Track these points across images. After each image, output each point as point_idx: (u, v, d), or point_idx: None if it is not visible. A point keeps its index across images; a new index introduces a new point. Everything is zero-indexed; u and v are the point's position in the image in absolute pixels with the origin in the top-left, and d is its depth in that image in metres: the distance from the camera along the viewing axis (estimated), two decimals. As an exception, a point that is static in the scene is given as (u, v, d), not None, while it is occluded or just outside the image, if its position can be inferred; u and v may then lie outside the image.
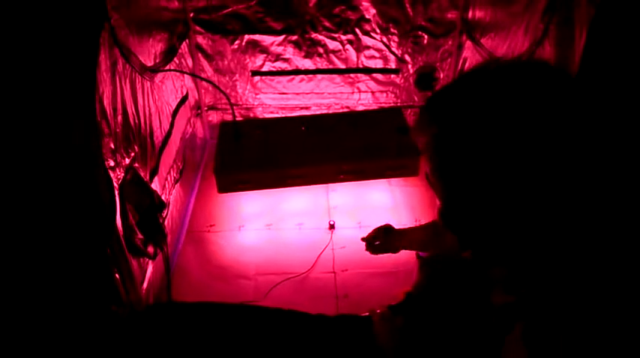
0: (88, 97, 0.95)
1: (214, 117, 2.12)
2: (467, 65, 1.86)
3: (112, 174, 1.11)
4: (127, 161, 1.22)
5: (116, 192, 1.11)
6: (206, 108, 2.08)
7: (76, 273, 1.06)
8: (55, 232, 1.00)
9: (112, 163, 1.11)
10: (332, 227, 1.69)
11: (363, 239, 1.39)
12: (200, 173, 1.96)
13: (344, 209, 1.77)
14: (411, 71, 2.00)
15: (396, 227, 1.70)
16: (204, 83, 2.00)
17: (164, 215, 1.37)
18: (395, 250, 1.38)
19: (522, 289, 0.66)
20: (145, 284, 1.31)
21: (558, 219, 0.60)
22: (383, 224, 1.40)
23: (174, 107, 1.70)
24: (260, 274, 1.55)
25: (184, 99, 1.83)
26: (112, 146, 1.11)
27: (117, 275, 1.15)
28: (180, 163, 1.72)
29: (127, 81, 1.24)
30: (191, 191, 1.86)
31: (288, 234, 1.70)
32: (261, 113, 2.10)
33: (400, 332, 1.06)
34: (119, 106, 1.17)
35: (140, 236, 1.22)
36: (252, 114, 2.10)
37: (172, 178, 1.63)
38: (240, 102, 2.07)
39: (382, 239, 1.38)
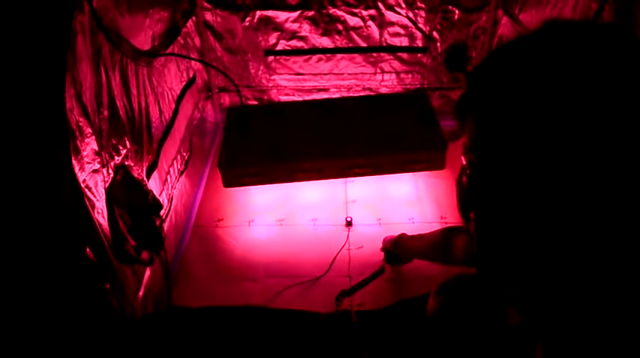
0: (56, 96, 0.83)
1: (226, 99, 1.98)
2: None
3: (97, 178, 0.99)
4: (118, 159, 1.10)
5: (99, 197, 1.00)
6: (217, 90, 1.94)
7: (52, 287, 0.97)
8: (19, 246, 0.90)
9: (95, 166, 0.99)
10: (349, 224, 1.55)
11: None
12: (210, 161, 1.83)
13: (363, 203, 1.63)
14: (440, 50, 1.81)
15: (420, 223, 1.57)
16: (214, 63, 1.86)
17: (162, 215, 1.26)
18: (405, 260, 1.36)
19: (536, 309, 0.58)
20: (141, 292, 1.21)
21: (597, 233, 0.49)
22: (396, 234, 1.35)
23: (178, 92, 1.57)
24: (269, 276, 1.43)
25: (191, 81, 1.69)
26: (96, 147, 0.98)
27: (107, 286, 1.05)
28: (185, 153, 1.60)
29: (117, 69, 1.11)
30: (199, 182, 1.74)
31: (301, 230, 1.57)
32: (276, 95, 1.95)
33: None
34: (105, 100, 1.04)
35: (132, 242, 1.11)
36: (266, 97, 1.95)
37: (176, 170, 1.51)
38: (254, 84, 1.92)
39: (393, 249, 1.35)
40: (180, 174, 1.54)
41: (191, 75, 1.69)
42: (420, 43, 1.80)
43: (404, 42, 1.80)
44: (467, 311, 0.97)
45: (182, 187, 1.56)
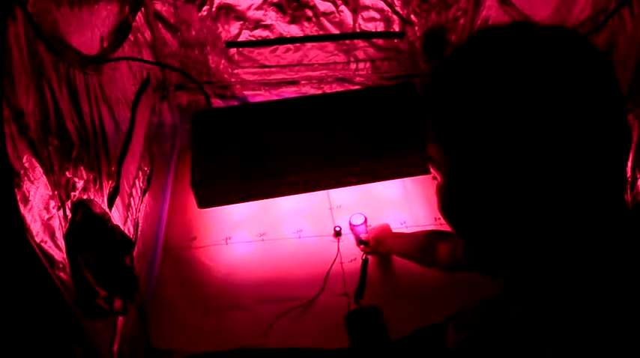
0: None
1: (184, 98, 1.76)
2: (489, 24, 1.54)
3: (53, 225, 0.80)
4: (75, 195, 0.90)
5: (57, 250, 0.81)
6: (173, 89, 1.72)
7: None
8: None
9: (51, 212, 0.79)
10: (338, 234, 1.42)
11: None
12: (172, 171, 1.63)
13: (349, 209, 1.49)
14: (418, 34, 1.67)
15: (413, 226, 1.46)
16: (168, 58, 1.64)
17: (132, 253, 1.07)
18: (381, 253, 1.35)
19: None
20: (116, 344, 1.03)
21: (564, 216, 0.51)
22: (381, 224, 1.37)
23: (133, 97, 1.36)
24: (258, 301, 1.27)
25: (146, 83, 1.48)
26: (49, 189, 0.79)
27: (77, 349, 0.87)
28: (146, 167, 1.40)
29: (63, 85, 0.90)
30: (163, 197, 1.54)
31: (285, 245, 1.42)
32: (240, 91, 1.76)
33: None
34: (53, 126, 0.84)
35: (102, 293, 0.92)
36: (229, 93, 1.76)
37: (139, 190, 1.31)
38: (215, 80, 1.72)
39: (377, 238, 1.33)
40: (144, 193, 1.35)
41: (145, 75, 1.48)
42: (396, 28, 1.66)
43: (379, 27, 1.65)
44: (493, 345, 0.87)
45: (146, 207, 1.36)
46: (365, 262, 1.34)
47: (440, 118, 0.55)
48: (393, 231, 1.36)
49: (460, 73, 0.54)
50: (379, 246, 1.32)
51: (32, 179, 0.74)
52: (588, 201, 0.51)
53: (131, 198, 1.23)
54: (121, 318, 1.07)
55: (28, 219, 0.73)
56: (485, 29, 0.56)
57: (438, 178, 0.60)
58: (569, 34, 0.53)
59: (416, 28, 1.66)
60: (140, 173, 1.33)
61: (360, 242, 1.37)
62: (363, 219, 1.40)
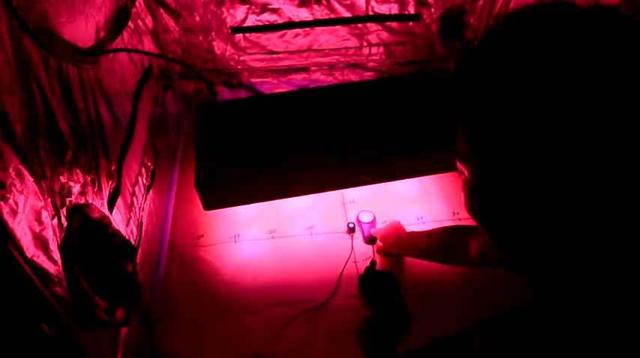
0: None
1: (190, 86, 1.69)
2: (511, 6, 1.45)
3: (46, 236, 0.74)
4: (71, 200, 0.84)
5: (51, 263, 0.75)
6: (177, 77, 1.65)
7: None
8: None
9: (43, 222, 0.73)
10: (351, 231, 1.35)
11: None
12: (177, 164, 1.56)
13: (363, 204, 1.42)
14: (435, 17, 1.58)
15: (431, 222, 1.40)
16: (171, 46, 1.56)
17: (135, 259, 1.01)
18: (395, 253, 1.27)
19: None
20: (119, 356, 0.97)
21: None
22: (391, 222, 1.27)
23: (134, 88, 1.29)
24: (268, 305, 1.21)
25: (148, 73, 1.40)
26: (40, 199, 0.72)
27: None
28: (150, 163, 1.33)
29: (55, 81, 0.83)
30: (168, 192, 1.48)
31: (296, 242, 1.35)
32: (248, 78, 1.68)
33: None
34: (43, 126, 0.77)
35: (103, 304, 0.87)
36: (235, 81, 1.68)
37: (142, 187, 1.25)
38: (220, 67, 1.64)
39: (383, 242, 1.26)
40: (147, 190, 1.28)
41: (147, 65, 1.40)
42: (411, 10, 1.56)
43: (393, 9, 1.55)
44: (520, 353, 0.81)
45: (151, 205, 1.30)
46: (372, 265, 1.24)
47: (472, 109, 0.51)
48: (409, 227, 1.28)
49: (497, 58, 0.49)
50: (390, 247, 1.25)
51: (20, 189, 0.68)
52: (628, 195, 0.47)
53: (134, 197, 1.17)
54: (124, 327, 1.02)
55: (18, 232, 0.67)
56: (523, 9, 0.50)
57: (466, 173, 0.56)
58: (616, 15, 0.47)
59: (432, 9, 1.56)
60: (143, 169, 1.27)
61: (368, 241, 1.31)
62: (372, 218, 1.33)
